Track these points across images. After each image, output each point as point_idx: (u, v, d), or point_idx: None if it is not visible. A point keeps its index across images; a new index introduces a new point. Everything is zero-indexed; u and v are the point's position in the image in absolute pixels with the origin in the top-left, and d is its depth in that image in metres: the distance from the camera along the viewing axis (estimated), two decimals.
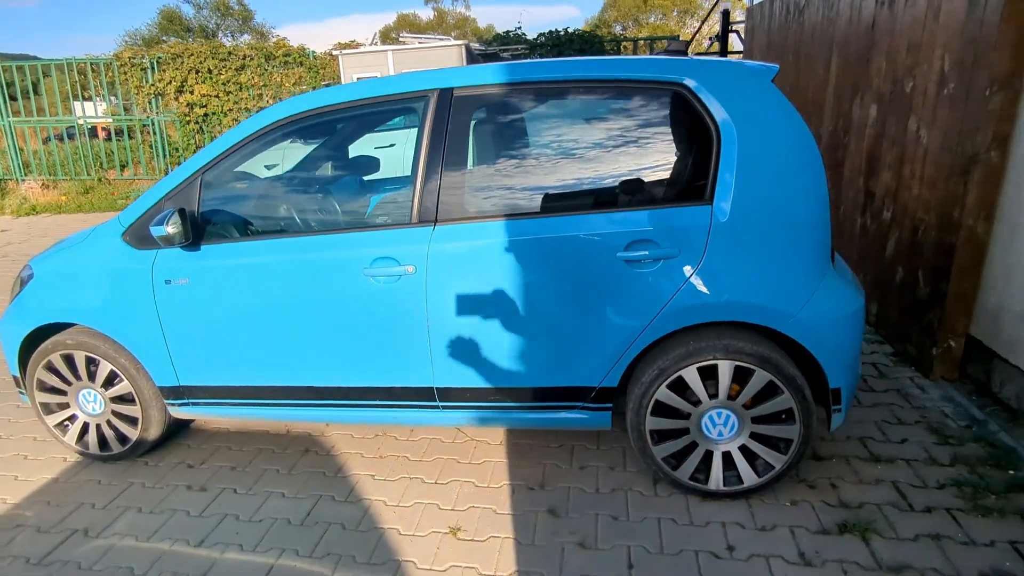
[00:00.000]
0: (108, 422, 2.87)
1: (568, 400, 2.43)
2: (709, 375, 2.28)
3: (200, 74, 10.22)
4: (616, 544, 2.23)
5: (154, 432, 2.86)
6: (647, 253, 2.21)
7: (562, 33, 9.87)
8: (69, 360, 2.79)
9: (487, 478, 2.65)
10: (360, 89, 2.44)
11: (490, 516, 2.42)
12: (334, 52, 9.57)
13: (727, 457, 2.37)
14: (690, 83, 2.20)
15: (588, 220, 2.25)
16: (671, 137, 2.26)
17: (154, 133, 10.61)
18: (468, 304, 2.35)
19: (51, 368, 2.82)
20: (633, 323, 2.26)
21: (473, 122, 2.35)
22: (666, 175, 2.26)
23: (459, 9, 53.56)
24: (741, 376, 2.26)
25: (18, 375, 2.92)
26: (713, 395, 2.30)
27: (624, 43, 9.89)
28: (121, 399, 2.82)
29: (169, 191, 2.58)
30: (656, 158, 2.26)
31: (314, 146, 2.64)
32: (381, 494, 2.59)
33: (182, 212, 2.45)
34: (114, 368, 2.75)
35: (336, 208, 2.53)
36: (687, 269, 2.20)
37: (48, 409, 2.91)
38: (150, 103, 10.53)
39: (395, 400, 2.55)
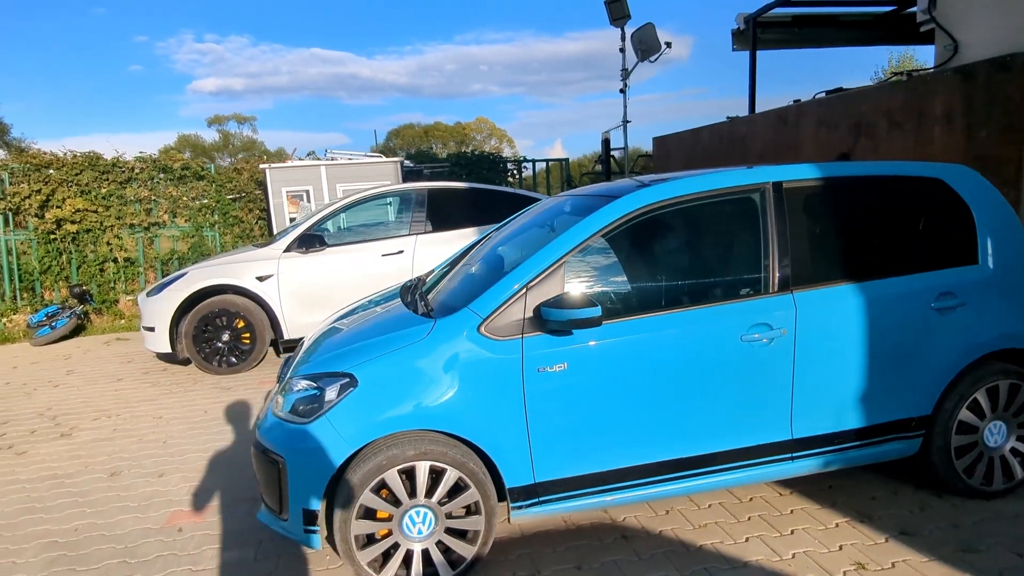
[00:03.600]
0: (439, 543, 2.48)
1: (894, 432, 2.83)
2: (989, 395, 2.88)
3: (74, 187, 8.77)
4: (989, 543, 2.62)
5: (489, 545, 2.54)
6: (950, 303, 2.80)
7: (471, 154, 10.63)
8: (408, 474, 2.41)
9: (820, 521, 2.86)
10: (702, 182, 2.74)
11: (868, 548, 2.64)
12: (262, 166, 9.01)
13: (1002, 459, 2.94)
14: (945, 178, 2.94)
15: (909, 280, 2.79)
16: (942, 216, 2.93)
17: None
18: (828, 358, 2.68)
19: (381, 489, 2.39)
20: (947, 359, 2.80)
21: (801, 208, 2.79)
22: (945, 243, 2.91)
23: (246, 132, 52.31)
24: (995, 393, 2.88)
25: (319, 508, 2.40)
26: (993, 410, 2.89)
27: (524, 163, 10.97)
28: (461, 512, 2.48)
29: (530, 279, 2.52)
30: (935, 231, 2.91)
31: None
32: (755, 555, 2.64)
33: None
34: (462, 476, 2.44)
35: (701, 282, 2.71)
36: (975, 313, 2.83)
37: (361, 542, 2.42)
38: None
39: (753, 458, 2.69)
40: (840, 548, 2.66)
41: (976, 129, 4.25)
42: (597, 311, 2.34)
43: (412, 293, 3.21)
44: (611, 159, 10.92)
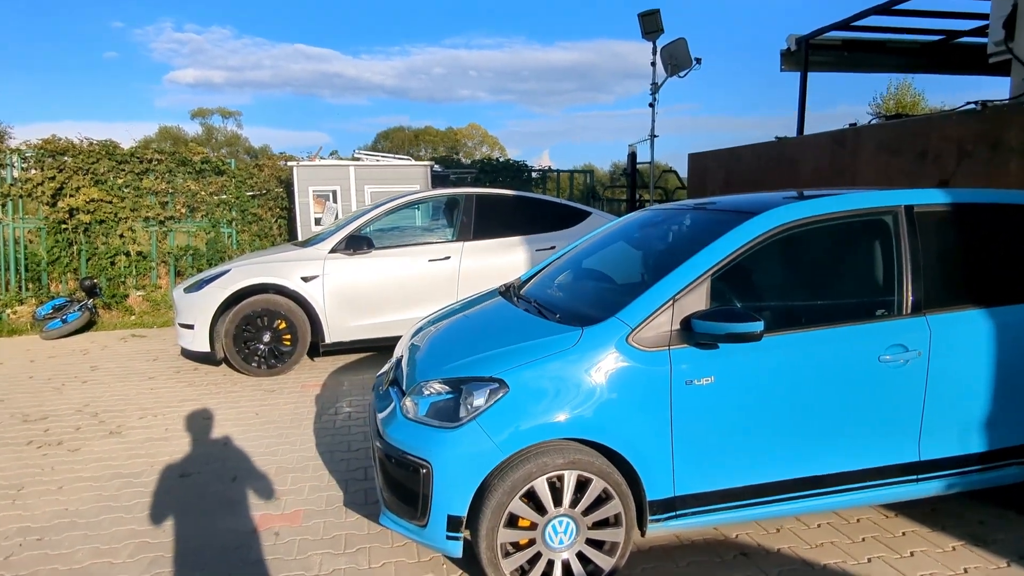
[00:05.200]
0: (579, 555, 2.52)
1: (1015, 457, 2.94)
2: None
3: (89, 176, 8.67)
4: None
5: (626, 558, 2.59)
6: None
7: (495, 161, 10.73)
8: (553, 484, 2.46)
9: (935, 544, 2.96)
10: (839, 202, 2.85)
11: (992, 572, 2.75)
12: (289, 164, 9.00)
13: None
14: None
15: None
16: None
17: (3, 243, 8.50)
18: (958, 381, 2.80)
19: (530, 496, 2.44)
20: None
21: (932, 231, 2.90)
22: None
23: (230, 127, 52.01)
24: None
25: (464, 515, 2.44)
26: None
27: (549, 174, 11.10)
28: (601, 524, 2.53)
29: (678, 291, 2.60)
30: None
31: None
32: (893, 573, 2.73)
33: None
34: (607, 486, 2.50)
35: (838, 302, 2.81)
36: None
37: (505, 551, 2.45)
38: (3, 207, 8.51)
39: (883, 478, 2.78)
40: (965, 571, 2.75)
41: None
42: (759, 325, 2.42)
43: (527, 299, 3.26)
44: (637, 172, 11.11)
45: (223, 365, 6.12)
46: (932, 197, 2.94)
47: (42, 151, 8.56)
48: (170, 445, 4.28)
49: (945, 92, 29.54)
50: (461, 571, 2.79)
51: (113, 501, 3.48)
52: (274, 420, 4.73)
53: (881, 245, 2.87)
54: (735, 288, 2.73)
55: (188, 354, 6.42)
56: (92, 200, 8.62)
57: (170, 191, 9.13)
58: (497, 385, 2.49)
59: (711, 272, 2.64)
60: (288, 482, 3.69)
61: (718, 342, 2.52)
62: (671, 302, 2.59)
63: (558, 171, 11.21)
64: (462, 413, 2.49)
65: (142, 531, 3.18)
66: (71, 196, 8.57)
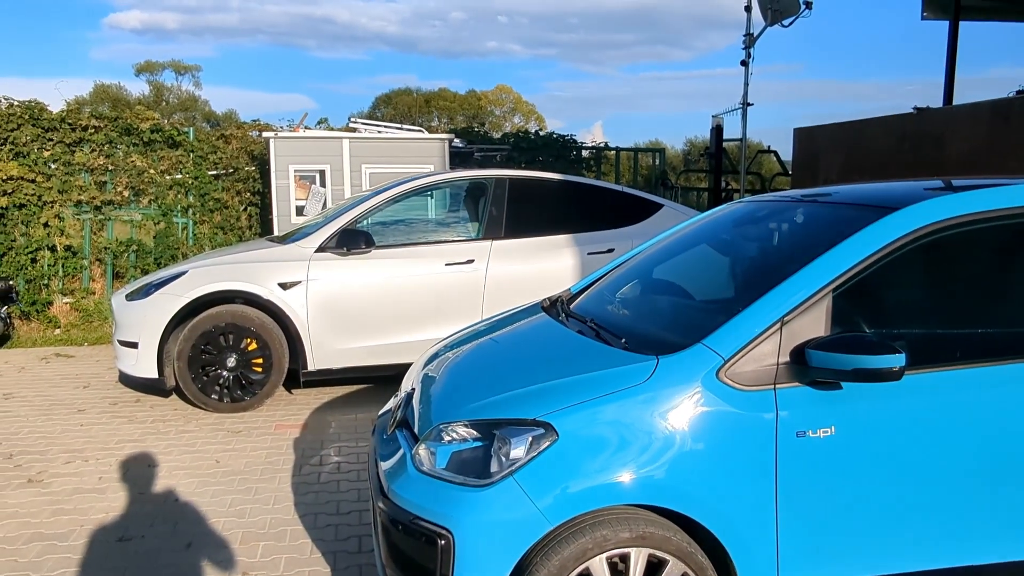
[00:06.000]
0: None
1: None
2: None
3: (7, 147, 8.97)
4: None
5: None
6: None
7: (533, 135, 10.84)
8: (615, 565, 2.47)
9: None
10: (1005, 196, 2.82)
11: None
12: (265, 135, 9.20)
13: None
14: None
15: None
16: None
17: None
18: None
19: None
20: None
21: None
22: None
23: (186, 87, 53.43)
24: None
25: None
26: None
27: (605, 152, 11.15)
28: None
29: (787, 312, 2.59)
30: None
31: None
32: None
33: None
34: (688, 570, 2.50)
35: (1009, 329, 2.79)
36: None
37: None
38: None
39: None
40: None
41: None
42: (899, 359, 2.40)
43: (581, 318, 3.28)
44: (723, 152, 11.10)
45: (174, 396, 6.27)
46: None
47: None
48: (105, 499, 4.39)
49: None
50: None
51: (32, 571, 3.59)
52: (240, 470, 4.82)
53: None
54: (865, 309, 2.73)
55: (129, 381, 6.58)
56: (10, 179, 8.90)
57: (109, 168, 9.38)
58: (542, 431, 2.51)
59: (833, 286, 2.62)
60: (259, 552, 3.75)
61: (842, 380, 2.50)
62: (779, 325, 2.58)
63: (617, 149, 11.23)
64: (495, 467, 2.52)
65: None
66: None
